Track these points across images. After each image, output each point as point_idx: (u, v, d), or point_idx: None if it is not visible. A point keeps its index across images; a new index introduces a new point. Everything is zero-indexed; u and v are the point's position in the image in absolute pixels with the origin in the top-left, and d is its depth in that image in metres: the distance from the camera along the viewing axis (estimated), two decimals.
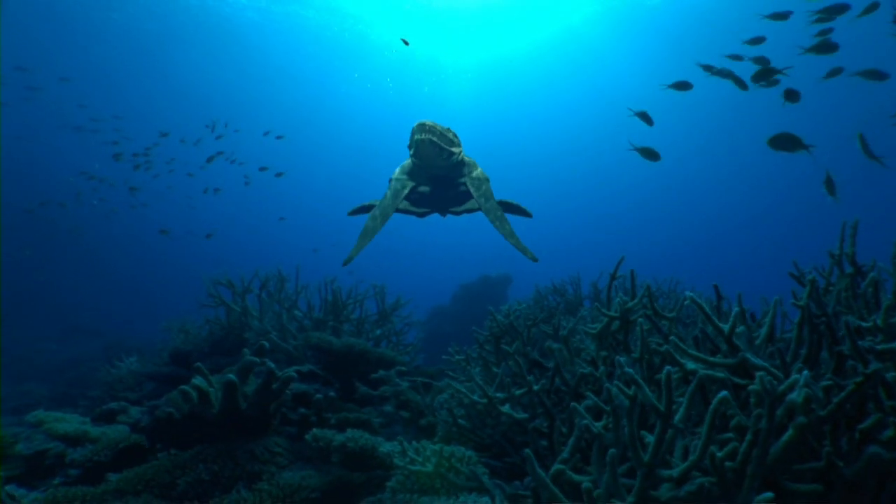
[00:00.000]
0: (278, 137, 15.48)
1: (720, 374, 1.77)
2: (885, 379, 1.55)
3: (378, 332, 5.15)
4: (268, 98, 29.01)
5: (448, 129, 3.91)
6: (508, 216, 4.12)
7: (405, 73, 27.27)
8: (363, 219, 4.13)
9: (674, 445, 1.65)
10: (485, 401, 2.46)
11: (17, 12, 18.27)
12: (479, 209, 4.19)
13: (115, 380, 5.44)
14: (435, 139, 3.72)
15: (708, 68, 5.10)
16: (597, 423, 1.76)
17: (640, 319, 2.02)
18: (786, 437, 1.45)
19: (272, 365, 3.20)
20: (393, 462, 2.38)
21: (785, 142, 4.02)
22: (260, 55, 24.53)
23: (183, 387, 3.19)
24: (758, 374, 1.45)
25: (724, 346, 1.92)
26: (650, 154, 5.11)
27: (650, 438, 1.59)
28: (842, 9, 4.71)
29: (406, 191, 4.13)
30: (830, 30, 4.93)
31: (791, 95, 4.45)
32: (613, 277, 2.65)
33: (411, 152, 3.91)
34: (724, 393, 1.41)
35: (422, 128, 3.70)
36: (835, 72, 5.51)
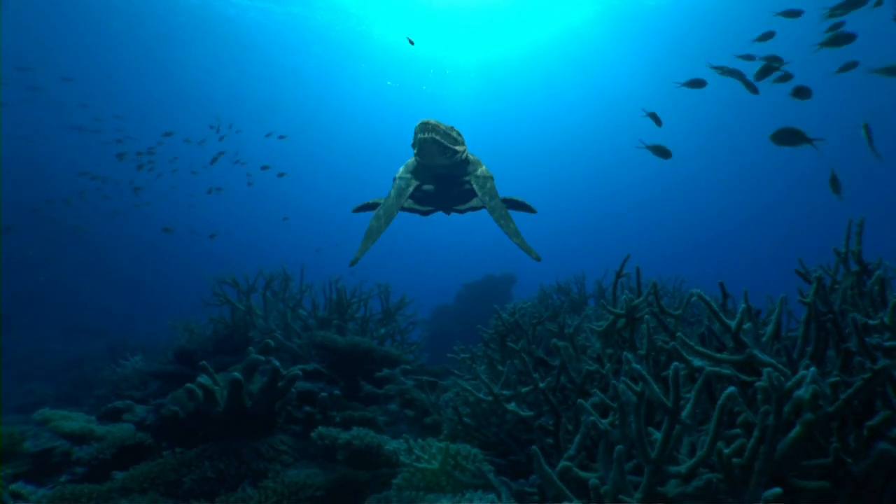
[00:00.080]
0: (280, 137, 15.51)
1: (727, 371, 1.77)
2: (893, 376, 1.55)
3: (382, 330, 5.15)
4: (270, 98, 29.03)
5: (451, 127, 3.90)
6: (513, 213, 4.12)
7: (407, 73, 27.28)
8: (367, 217, 4.12)
9: (680, 442, 1.65)
10: (490, 398, 2.46)
11: (19, 12, 18.30)
12: (483, 207, 4.19)
13: (121, 378, 5.45)
14: (438, 138, 3.72)
15: (721, 70, 5.04)
16: (603, 420, 1.76)
17: (646, 316, 2.02)
18: (793, 433, 1.45)
19: (277, 363, 3.21)
20: (399, 459, 2.39)
21: (788, 136, 3.99)
22: (262, 55, 24.54)
23: (188, 385, 3.20)
24: (765, 370, 1.45)
25: (731, 343, 1.92)
26: (662, 152, 5.12)
27: (657, 435, 1.59)
28: (859, 2, 4.62)
29: (410, 190, 4.12)
30: (842, 23, 4.83)
31: (801, 92, 4.40)
32: (619, 275, 2.65)
33: (415, 151, 3.91)
34: (731, 388, 1.41)
35: (424, 127, 3.70)
36: (849, 66, 5.37)
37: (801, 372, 1.47)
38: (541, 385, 2.27)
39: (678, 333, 1.82)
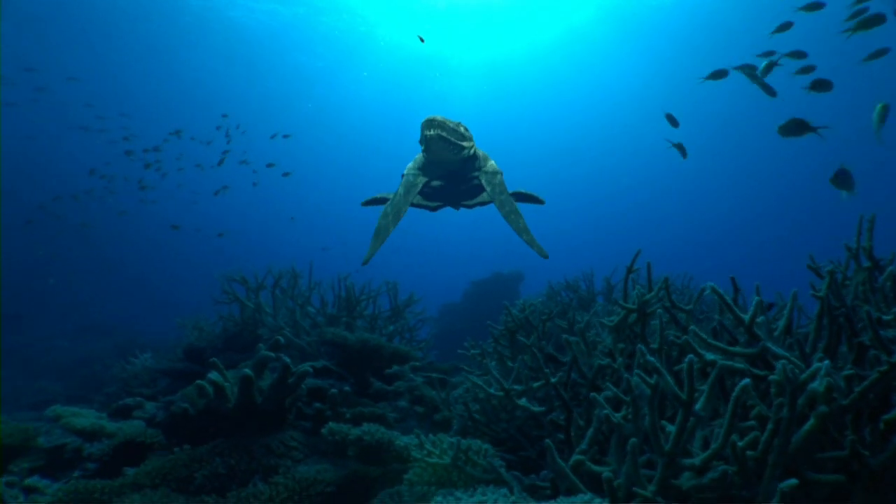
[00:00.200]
0: (285, 136, 15.54)
1: (739, 365, 1.77)
2: None
3: (391, 328, 5.16)
4: (276, 98, 29.09)
5: (459, 123, 3.88)
6: (520, 206, 4.11)
7: (412, 71, 27.29)
8: (375, 211, 4.12)
9: (693, 435, 1.65)
10: (501, 394, 2.46)
11: (24, 13, 18.41)
12: (491, 202, 4.18)
13: (130, 376, 5.48)
14: (445, 134, 3.70)
15: (744, 69, 4.98)
16: (616, 414, 1.76)
17: (658, 311, 2.02)
18: (807, 426, 1.45)
19: (287, 360, 3.21)
20: (410, 455, 2.39)
21: (794, 127, 3.96)
22: (267, 55, 24.59)
23: (199, 381, 3.22)
24: (779, 362, 1.45)
25: (743, 337, 1.92)
26: (682, 150, 5.16)
27: (670, 428, 1.59)
28: None
29: (418, 187, 4.11)
30: (866, 9, 4.73)
31: (821, 85, 4.34)
32: (630, 270, 2.65)
33: (423, 148, 3.90)
34: (746, 380, 1.41)
35: (431, 123, 3.68)
36: (880, 53, 5.29)
37: (816, 364, 1.47)
38: (553, 380, 2.27)
39: (691, 327, 1.82)
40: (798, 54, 4.87)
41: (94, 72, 22.80)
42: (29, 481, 3.02)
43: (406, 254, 36.59)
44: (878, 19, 4.53)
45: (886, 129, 4.05)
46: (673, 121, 5.44)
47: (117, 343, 10.97)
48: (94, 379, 8.25)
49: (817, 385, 1.44)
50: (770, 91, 4.86)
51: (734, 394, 1.42)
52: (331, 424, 3.01)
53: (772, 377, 1.47)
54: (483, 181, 4.14)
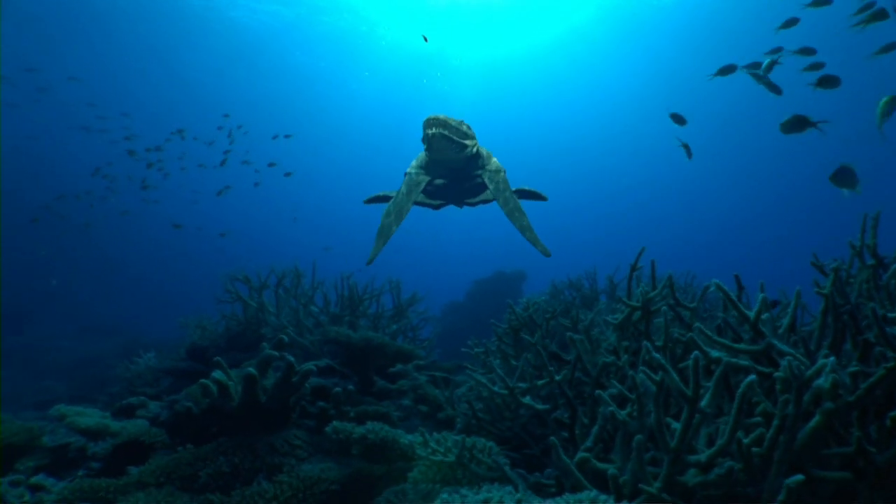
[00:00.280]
0: (287, 136, 15.55)
1: (744, 362, 1.77)
2: None
3: (394, 327, 5.16)
4: (277, 98, 29.14)
5: (461, 121, 3.87)
6: (523, 203, 4.10)
7: (414, 70, 27.30)
8: (377, 210, 4.11)
9: (699, 432, 1.65)
10: (505, 392, 2.47)
11: (25, 13, 18.45)
12: (494, 199, 4.17)
13: (134, 375, 5.49)
14: (446, 133, 3.68)
15: (751, 71, 4.95)
16: (621, 411, 1.76)
17: (663, 308, 2.02)
18: (813, 422, 1.45)
19: (291, 358, 3.21)
20: (415, 453, 2.39)
21: (796, 124, 3.94)
22: (269, 55, 24.63)
23: (203, 380, 3.22)
24: (785, 358, 1.45)
25: (747, 335, 1.92)
26: (688, 150, 5.21)
27: (675, 425, 1.59)
28: None
29: (421, 186, 4.10)
30: (873, 3, 4.73)
31: (829, 82, 4.31)
32: (633, 268, 2.65)
33: (425, 147, 3.89)
34: (752, 377, 1.41)
35: (433, 122, 3.66)
36: (889, 47, 5.27)
37: (821, 361, 1.47)
38: (556, 378, 2.27)
39: (696, 324, 1.82)
40: (807, 51, 4.84)
41: (95, 72, 22.86)
42: (34, 479, 3.02)
43: (409, 253, 36.65)
44: (882, 14, 4.54)
45: (891, 126, 4.02)
46: (680, 119, 5.42)
47: (120, 343, 11.00)
48: (98, 378, 8.28)
49: (823, 382, 1.44)
50: (775, 89, 4.84)
51: (740, 390, 1.42)
52: (335, 423, 3.01)
53: (777, 374, 1.47)
54: (486, 179, 4.13)
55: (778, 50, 5.01)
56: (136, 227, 31.78)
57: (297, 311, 5.01)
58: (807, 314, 2.58)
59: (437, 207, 4.59)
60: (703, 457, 1.52)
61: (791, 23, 5.42)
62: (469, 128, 3.92)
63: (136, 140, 14.77)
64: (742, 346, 1.80)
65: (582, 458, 1.76)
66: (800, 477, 1.28)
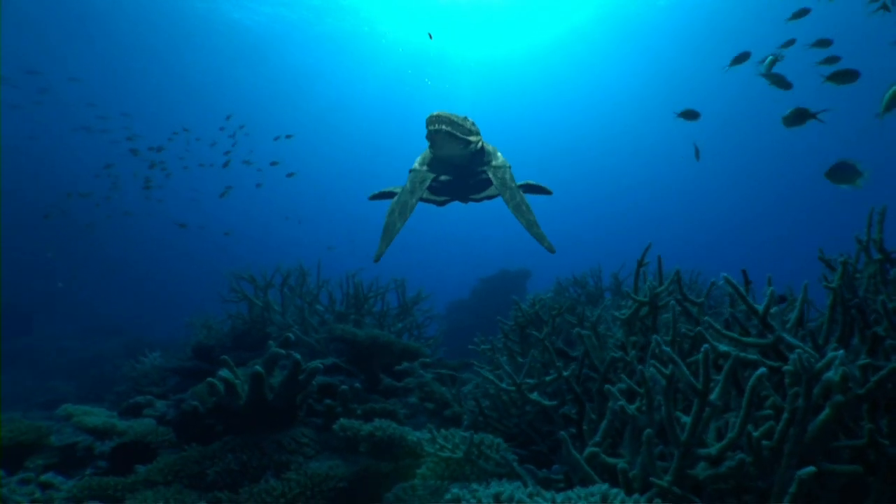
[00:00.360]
0: (288, 137, 15.55)
1: (753, 357, 1.77)
2: None
3: (399, 325, 5.17)
4: (278, 98, 29.17)
5: (465, 118, 3.84)
6: (529, 197, 4.07)
7: (415, 69, 27.32)
8: (382, 208, 4.10)
9: (709, 425, 1.65)
10: (513, 388, 2.47)
11: (23, 12, 18.50)
12: (500, 195, 4.14)
13: (140, 375, 5.51)
14: (449, 129, 3.64)
15: (767, 74, 4.91)
16: (630, 406, 1.77)
17: (671, 302, 2.02)
18: (823, 415, 1.45)
19: (298, 356, 3.22)
20: (423, 450, 2.40)
21: (797, 116, 3.93)
22: (271, 56, 24.66)
23: (210, 379, 3.23)
24: (795, 351, 1.45)
25: (754, 330, 1.92)
26: (697, 151, 5.22)
27: (685, 419, 1.59)
28: None
29: (426, 183, 4.07)
30: None
31: (847, 76, 4.27)
32: (640, 264, 2.65)
33: (429, 144, 3.88)
34: (763, 369, 1.41)
35: (435, 119, 3.61)
36: None
37: (831, 354, 1.47)
38: (564, 373, 2.27)
39: (705, 317, 1.82)
40: (823, 43, 4.80)
41: (96, 73, 22.91)
42: (44, 477, 3.04)
43: (413, 251, 36.62)
44: (886, 7, 4.56)
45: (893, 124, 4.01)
46: (692, 115, 5.39)
47: (126, 342, 11.04)
48: (104, 378, 8.30)
49: (832, 374, 1.44)
50: (785, 85, 4.80)
51: (750, 382, 1.42)
52: (342, 420, 3.02)
53: (786, 367, 1.47)
54: (491, 175, 4.11)
55: (791, 42, 4.98)
56: (139, 227, 31.85)
57: (303, 309, 5.02)
58: (812, 310, 2.57)
59: (441, 204, 4.58)
60: (713, 450, 1.52)
61: (801, 13, 5.35)
62: (473, 124, 3.89)
63: (137, 140, 14.79)
64: (751, 339, 1.80)
65: (591, 452, 1.76)
66: (812, 469, 1.28)
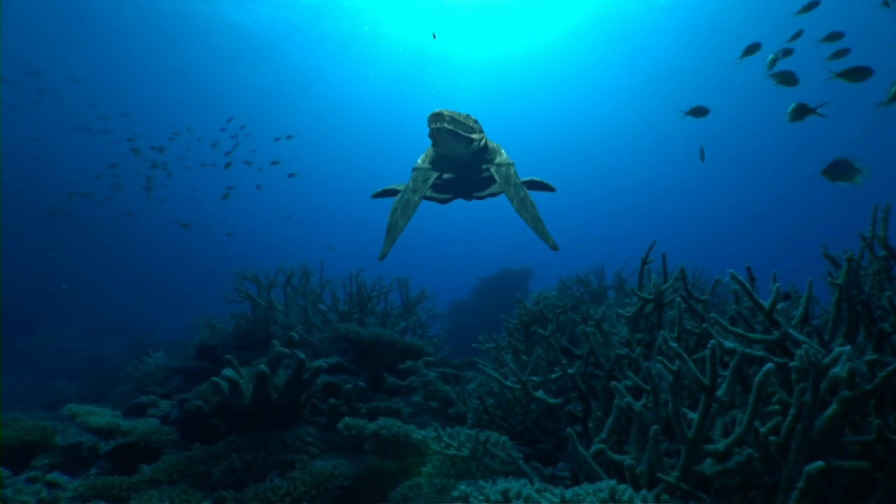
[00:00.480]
0: (289, 137, 15.55)
1: (759, 353, 1.77)
2: None
3: (403, 324, 5.18)
4: (279, 98, 29.17)
5: (468, 115, 3.82)
6: (532, 193, 4.07)
7: (416, 69, 27.30)
8: (385, 207, 4.10)
9: (715, 421, 1.66)
10: (518, 386, 2.47)
11: (24, 13, 18.51)
12: (503, 192, 4.13)
13: (144, 375, 5.51)
14: (451, 127, 3.62)
15: (777, 75, 4.88)
16: (637, 402, 1.77)
17: (677, 299, 2.02)
18: (830, 411, 1.45)
19: (302, 356, 3.23)
20: (428, 448, 2.40)
21: (799, 112, 3.93)
22: (272, 56, 24.66)
23: (214, 378, 3.23)
24: (801, 347, 1.45)
25: (759, 327, 1.92)
26: (702, 154, 5.25)
27: (691, 415, 1.60)
28: None
29: (430, 181, 4.06)
30: None
31: (861, 73, 4.23)
32: (645, 261, 2.65)
33: (431, 142, 3.87)
34: (770, 365, 1.41)
35: (436, 117, 3.61)
36: None
37: (837, 349, 1.47)
38: (570, 371, 2.28)
39: (711, 314, 1.82)
40: (834, 36, 4.77)
41: (97, 73, 22.93)
42: (50, 476, 3.05)
43: (414, 250, 36.62)
44: (887, 3, 4.56)
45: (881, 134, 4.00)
46: (701, 112, 5.37)
47: (129, 342, 11.05)
48: (108, 378, 8.31)
49: (839, 370, 1.44)
50: (792, 81, 4.76)
51: (757, 378, 1.42)
52: (347, 419, 3.02)
53: (793, 363, 1.47)
54: (494, 172, 4.10)
55: (799, 34, 4.96)
56: (141, 227, 31.86)
57: (306, 309, 5.02)
58: (817, 307, 2.57)
59: (445, 202, 4.58)
60: (720, 446, 1.52)
61: (811, 6, 5.29)
62: (476, 121, 3.88)
63: (138, 140, 14.81)
64: (757, 335, 1.80)
65: (598, 449, 1.76)
66: (820, 464, 1.28)
